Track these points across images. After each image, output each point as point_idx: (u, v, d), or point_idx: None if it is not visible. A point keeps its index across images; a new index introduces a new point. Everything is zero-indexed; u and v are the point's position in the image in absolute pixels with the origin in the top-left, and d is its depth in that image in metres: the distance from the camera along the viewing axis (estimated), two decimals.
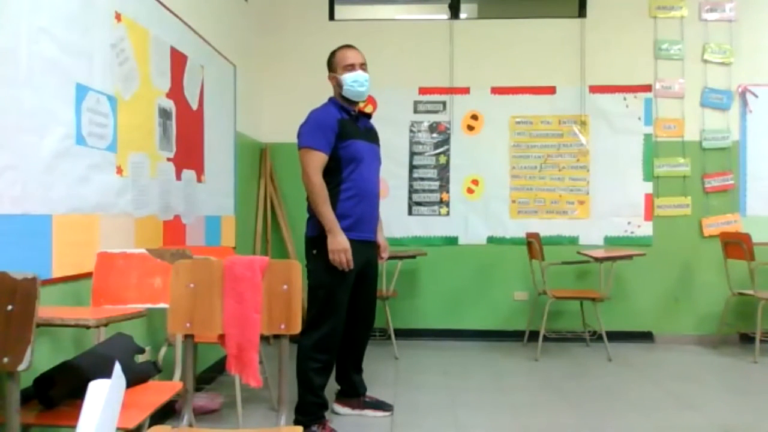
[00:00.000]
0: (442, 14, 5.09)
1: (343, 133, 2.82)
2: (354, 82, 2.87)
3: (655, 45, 4.91)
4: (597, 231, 4.92)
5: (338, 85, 2.91)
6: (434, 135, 4.98)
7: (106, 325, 1.69)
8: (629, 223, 4.92)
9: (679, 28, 4.91)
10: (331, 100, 2.96)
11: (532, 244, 4.47)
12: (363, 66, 2.92)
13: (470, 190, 4.97)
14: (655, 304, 4.92)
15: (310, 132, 2.81)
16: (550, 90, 4.94)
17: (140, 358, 2.22)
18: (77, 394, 1.54)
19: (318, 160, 2.76)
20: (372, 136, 3.03)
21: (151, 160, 2.86)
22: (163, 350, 2.65)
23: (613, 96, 4.92)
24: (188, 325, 1.79)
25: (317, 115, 2.86)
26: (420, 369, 4.04)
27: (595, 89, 4.92)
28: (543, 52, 4.94)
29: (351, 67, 2.88)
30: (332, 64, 2.94)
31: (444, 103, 4.98)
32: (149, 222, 2.83)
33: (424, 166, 4.99)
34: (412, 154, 4.98)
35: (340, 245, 2.73)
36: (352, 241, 2.80)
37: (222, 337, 1.80)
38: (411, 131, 4.98)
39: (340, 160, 2.81)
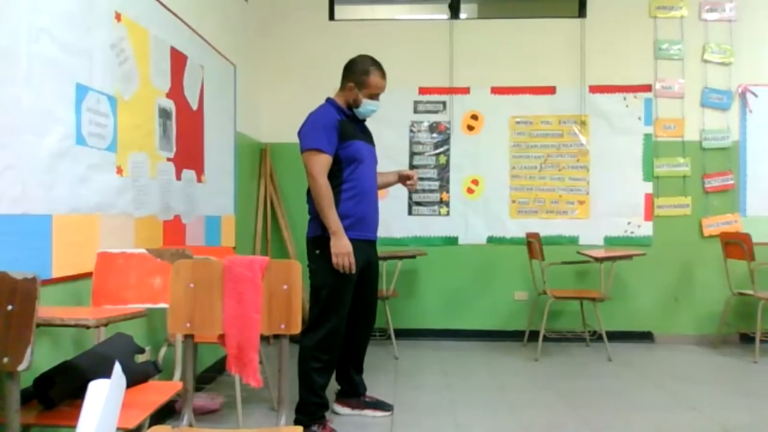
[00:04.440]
0: (442, 14, 5.09)
1: (344, 133, 2.82)
2: (372, 109, 2.92)
3: (655, 45, 4.91)
4: (597, 231, 4.92)
5: (354, 100, 2.89)
6: (434, 135, 4.98)
7: (106, 325, 1.69)
8: (629, 223, 4.92)
9: (679, 28, 4.91)
10: (329, 101, 2.94)
11: (532, 244, 4.47)
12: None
13: (470, 190, 4.97)
14: (655, 304, 4.92)
15: (312, 134, 2.79)
16: (550, 90, 4.94)
17: (140, 358, 2.22)
18: (77, 394, 1.54)
19: (323, 161, 2.76)
20: (368, 137, 3.04)
21: (151, 160, 2.86)
22: (163, 350, 2.65)
23: (613, 96, 4.92)
24: (188, 325, 1.79)
25: (317, 117, 2.85)
26: (420, 369, 4.04)
27: (595, 89, 4.92)
28: (543, 52, 4.94)
29: (376, 96, 2.91)
30: (358, 78, 2.87)
31: (444, 103, 4.98)
32: (149, 222, 2.83)
33: (424, 166, 4.98)
34: (412, 154, 4.98)
35: (344, 248, 2.74)
36: (353, 241, 2.80)
37: (222, 337, 1.80)
38: (411, 131, 4.98)
39: (341, 160, 2.81)
